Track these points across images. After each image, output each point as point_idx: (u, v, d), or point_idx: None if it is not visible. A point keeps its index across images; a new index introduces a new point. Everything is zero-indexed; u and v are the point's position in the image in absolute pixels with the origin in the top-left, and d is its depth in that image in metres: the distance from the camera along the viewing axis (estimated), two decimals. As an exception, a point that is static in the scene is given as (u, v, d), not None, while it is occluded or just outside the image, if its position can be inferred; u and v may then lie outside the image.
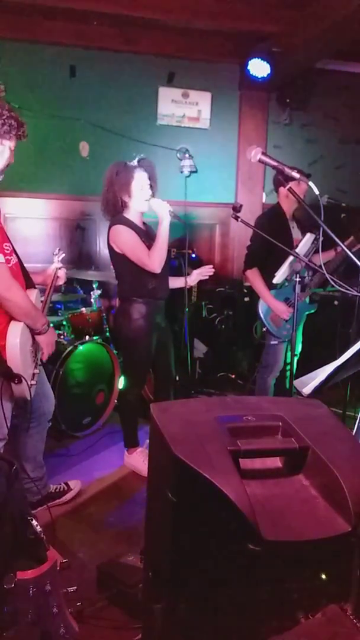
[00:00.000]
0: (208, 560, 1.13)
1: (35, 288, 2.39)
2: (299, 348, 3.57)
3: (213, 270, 3.13)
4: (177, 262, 4.06)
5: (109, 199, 2.88)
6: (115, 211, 2.90)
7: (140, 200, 2.85)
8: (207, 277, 3.16)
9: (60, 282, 2.66)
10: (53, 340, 2.42)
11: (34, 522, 1.47)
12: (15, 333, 2.14)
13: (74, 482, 2.85)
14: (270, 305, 3.29)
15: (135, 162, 2.89)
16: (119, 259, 2.90)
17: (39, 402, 2.47)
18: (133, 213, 2.91)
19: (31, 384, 2.23)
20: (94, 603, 2.03)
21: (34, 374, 2.32)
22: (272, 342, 3.35)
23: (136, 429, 3.24)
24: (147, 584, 1.37)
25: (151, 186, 2.88)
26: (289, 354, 3.29)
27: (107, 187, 2.87)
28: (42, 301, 2.46)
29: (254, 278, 3.33)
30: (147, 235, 2.92)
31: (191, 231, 4.75)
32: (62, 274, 2.64)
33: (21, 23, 4.16)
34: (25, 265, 2.39)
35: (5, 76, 4.19)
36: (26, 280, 2.36)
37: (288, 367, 3.30)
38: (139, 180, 2.83)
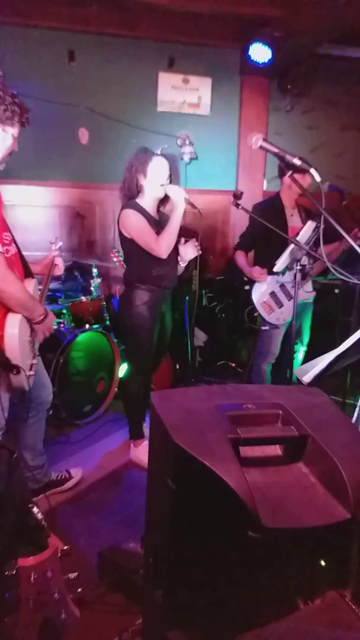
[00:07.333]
0: (208, 547, 1.14)
1: (33, 277, 2.38)
2: (306, 338, 3.57)
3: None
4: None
5: (126, 179, 2.89)
6: (131, 194, 2.90)
7: (156, 184, 2.84)
8: (200, 251, 3.00)
9: (59, 272, 2.64)
10: (50, 325, 2.40)
11: (35, 510, 1.48)
12: (14, 324, 2.13)
13: (75, 470, 2.87)
14: (245, 271, 3.39)
15: (158, 151, 2.93)
16: (127, 244, 2.91)
17: (37, 392, 2.47)
18: (147, 200, 2.90)
19: (29, 375, 2.23)
20: (95, 589, 2.05)
21: (32, 365, 2.31)
22: (264, 328, 3.37)
23: (141, 419, 3.22)
24: (148, 569, 1.38)
25: (169, 175, 2.89)
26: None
27: (126, 168, 2.89)
28: (39, 290, 2.44)
29: (237, 258, 3.46)
30: (158, 224, 2.91)
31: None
32: (59, 262, 2.62)
33: (19, 7, 4.09)
34: (24, 253, 2.38)
35: (3, 61, 4.13)
36: (25, 269, 2.35)
37: (295, 356, 3.32)
38: (157, 163, 2.83)
